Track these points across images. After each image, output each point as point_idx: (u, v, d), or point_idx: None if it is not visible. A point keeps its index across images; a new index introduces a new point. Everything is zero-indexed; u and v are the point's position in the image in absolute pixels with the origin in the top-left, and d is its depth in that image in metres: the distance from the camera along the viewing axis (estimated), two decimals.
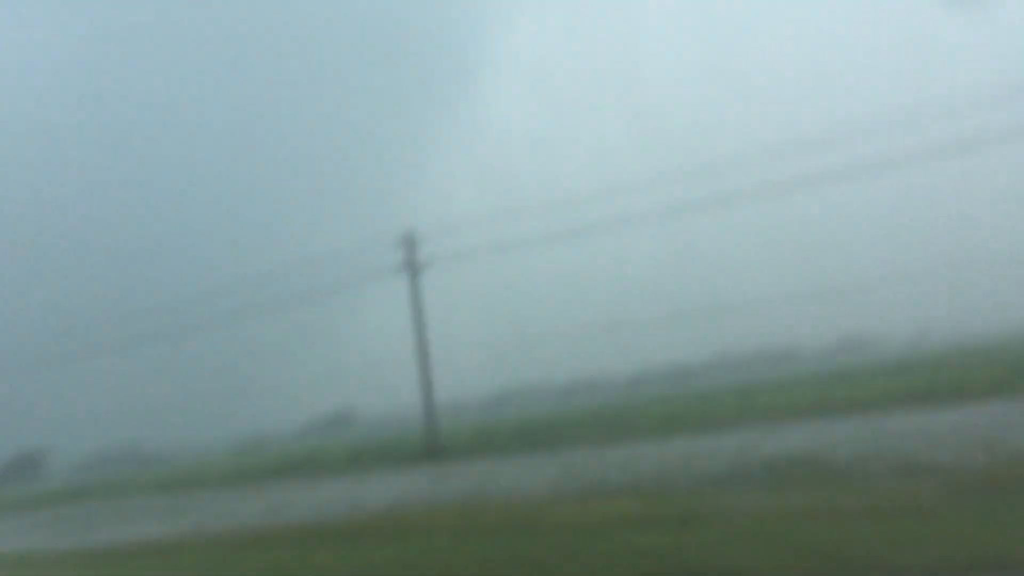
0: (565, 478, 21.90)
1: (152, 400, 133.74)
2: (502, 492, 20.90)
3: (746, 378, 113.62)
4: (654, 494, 16.59)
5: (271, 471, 49.46)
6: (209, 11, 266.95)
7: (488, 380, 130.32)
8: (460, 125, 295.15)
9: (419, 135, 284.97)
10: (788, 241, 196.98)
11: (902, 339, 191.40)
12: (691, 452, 24.28)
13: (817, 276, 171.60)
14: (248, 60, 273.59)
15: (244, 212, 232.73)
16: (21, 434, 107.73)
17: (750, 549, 10.40)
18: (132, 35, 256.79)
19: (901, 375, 45.58)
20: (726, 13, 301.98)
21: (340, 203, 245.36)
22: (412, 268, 44.34)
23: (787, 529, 11.36)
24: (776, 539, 10.77)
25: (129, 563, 17.33)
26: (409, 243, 44.62)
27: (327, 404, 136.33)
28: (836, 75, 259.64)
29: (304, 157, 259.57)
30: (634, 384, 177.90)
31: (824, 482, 15.51)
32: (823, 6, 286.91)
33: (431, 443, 43.07)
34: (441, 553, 12.89)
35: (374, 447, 55.28)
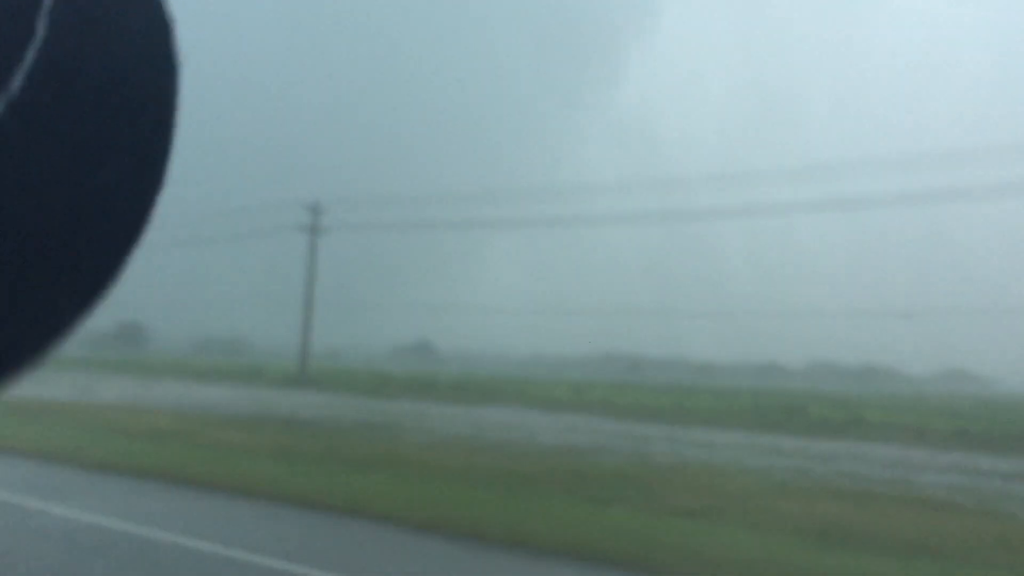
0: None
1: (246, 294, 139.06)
2: None
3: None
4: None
5: None
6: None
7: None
8: (608, 92, 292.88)
9: (566, 99, 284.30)
10: (906, 255, 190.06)
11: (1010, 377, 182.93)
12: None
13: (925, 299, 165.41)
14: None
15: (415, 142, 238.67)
16: (126, 306, 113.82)
17: None
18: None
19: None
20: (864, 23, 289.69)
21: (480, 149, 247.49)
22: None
23: None
24: None
25: None
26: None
27: None
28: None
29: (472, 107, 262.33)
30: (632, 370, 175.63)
31: None
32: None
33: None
34: None
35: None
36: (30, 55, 0.38)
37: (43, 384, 24.90)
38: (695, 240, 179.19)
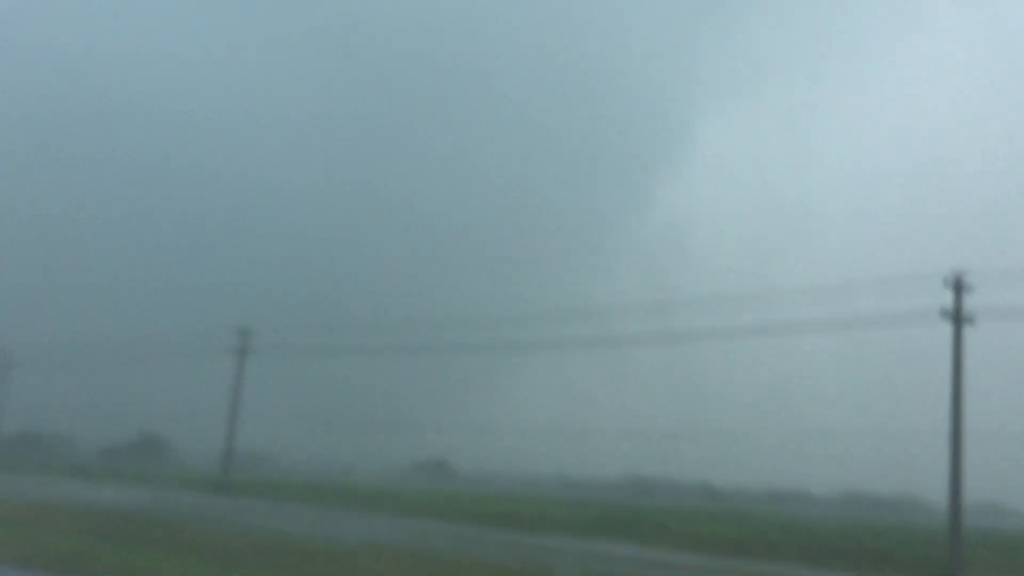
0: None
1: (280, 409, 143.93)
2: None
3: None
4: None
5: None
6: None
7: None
8: (642, 208, 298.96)
9: (601, 214, 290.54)
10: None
11: None
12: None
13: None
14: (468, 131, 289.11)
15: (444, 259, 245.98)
16: (147, 419, 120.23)
17: None
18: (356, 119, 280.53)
19: None
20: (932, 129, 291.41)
21: (511, 268, 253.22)
22: None
23: None
24: None
25: None
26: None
27: None
28: None
29: (490, 220, 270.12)
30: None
31: None
32: None
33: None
34: None
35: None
36: None
37: None
38: (722, 361, 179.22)
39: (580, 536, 38.10)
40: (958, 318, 34.24)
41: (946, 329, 34.24)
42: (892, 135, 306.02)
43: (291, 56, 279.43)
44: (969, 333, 34.00)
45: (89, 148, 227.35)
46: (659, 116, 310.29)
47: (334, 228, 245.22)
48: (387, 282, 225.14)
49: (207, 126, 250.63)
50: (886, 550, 36.46)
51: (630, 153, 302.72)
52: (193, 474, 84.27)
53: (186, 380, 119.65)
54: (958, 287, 34.46)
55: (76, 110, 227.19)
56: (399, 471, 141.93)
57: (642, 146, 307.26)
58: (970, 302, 34.41)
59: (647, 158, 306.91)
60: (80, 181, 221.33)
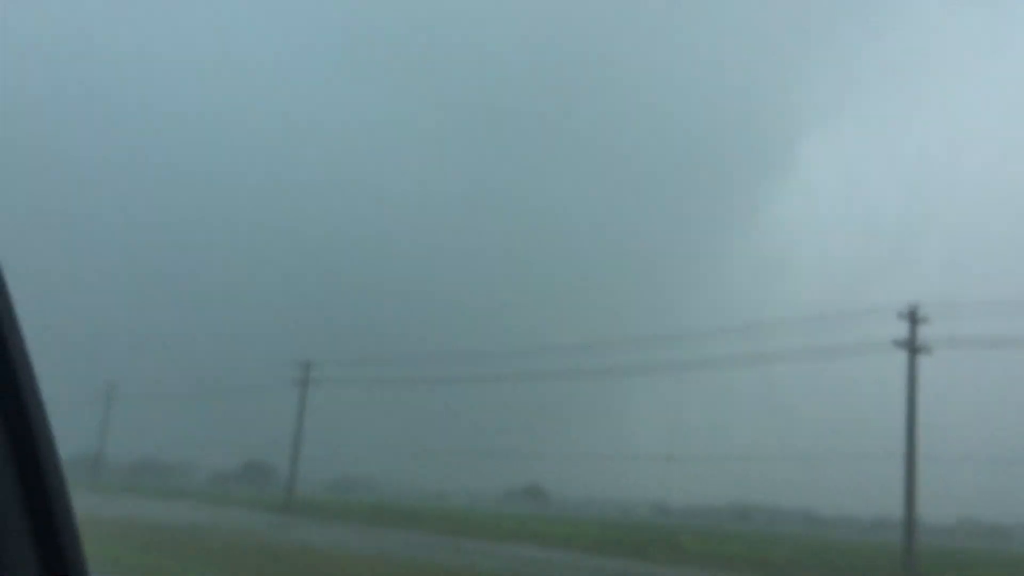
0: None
1: (389, 438, 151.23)
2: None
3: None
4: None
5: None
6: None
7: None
8: (747, 229, 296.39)
9: (704, 236, 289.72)
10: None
11: None
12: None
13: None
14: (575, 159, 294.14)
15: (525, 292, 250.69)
16: (254, 447, 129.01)
17: None
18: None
19: None
20: None
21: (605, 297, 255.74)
22: None
23: None
24: None
25: None
26: None
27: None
28: None
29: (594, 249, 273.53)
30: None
31: None
32: None
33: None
34: None
35: None
36: None
37: None
38: (827, 381, 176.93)
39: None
40: (912, 348, 36.77)
41: None
42: (994, 150, 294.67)
43: (380, 92, 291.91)
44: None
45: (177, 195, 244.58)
46: (760, 135, 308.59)
47: (421, 261, 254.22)
48: (487, 311, 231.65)
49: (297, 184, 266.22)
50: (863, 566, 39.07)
51: (732, 174, 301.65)
52: (281, 498, 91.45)
53: (288, 409, 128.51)
54: (912, 319, 36.99)
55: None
56: (493, 498, 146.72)
57: (744, 166, 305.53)
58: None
59: (749, 178, 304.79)
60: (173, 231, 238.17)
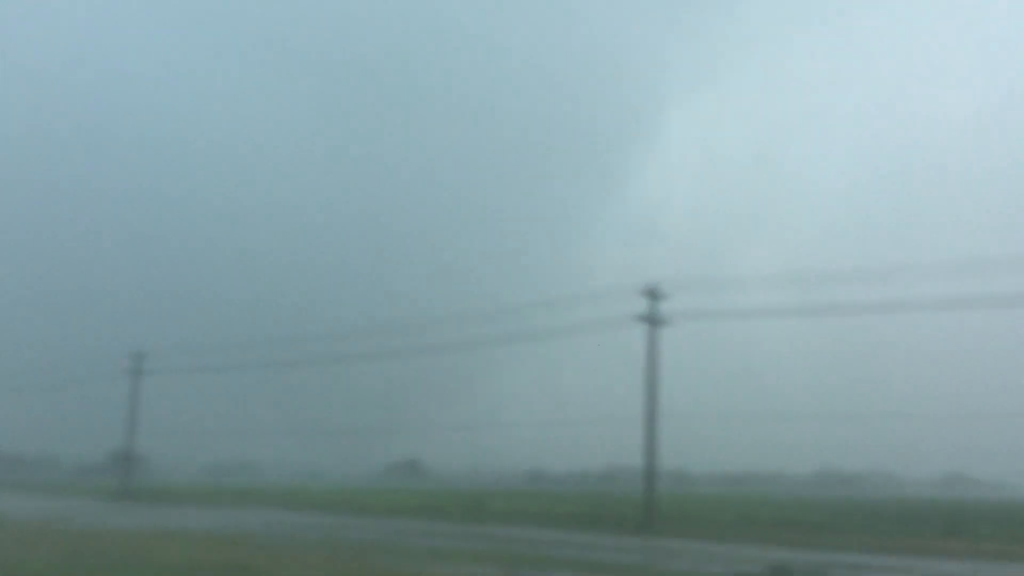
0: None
1: (263, 421, 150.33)
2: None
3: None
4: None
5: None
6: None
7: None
8: (617, 195, 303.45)
9: (577, 202, 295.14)
10: (914, 360, 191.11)
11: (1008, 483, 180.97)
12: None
13: (933, 403, 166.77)
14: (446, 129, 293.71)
15: (404, 261, 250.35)
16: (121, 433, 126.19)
17: None
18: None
19: None
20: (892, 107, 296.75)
21: (484, 260, 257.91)
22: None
23: None
24: None
25: None
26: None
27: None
28: None
29: (469, 214, 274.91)
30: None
31: None
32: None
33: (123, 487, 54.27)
34: None
35: None
36: None
37: None
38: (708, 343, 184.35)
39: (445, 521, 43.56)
40: (652, 321, 39.81)
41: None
42: (847, 125, 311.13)
43: (227, 56, 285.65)
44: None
45: None
46: (628, 108, 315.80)
47: (293, 239, 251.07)
48: (355, 289, 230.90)
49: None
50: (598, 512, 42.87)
51: (600, 146, 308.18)
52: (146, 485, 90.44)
53: (152, 398, 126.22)
54: (653, 295, 40.08)
55: None
56: (371, 474, 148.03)
57: (611, 139, 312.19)
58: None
59: (617, 150, 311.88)
60: None
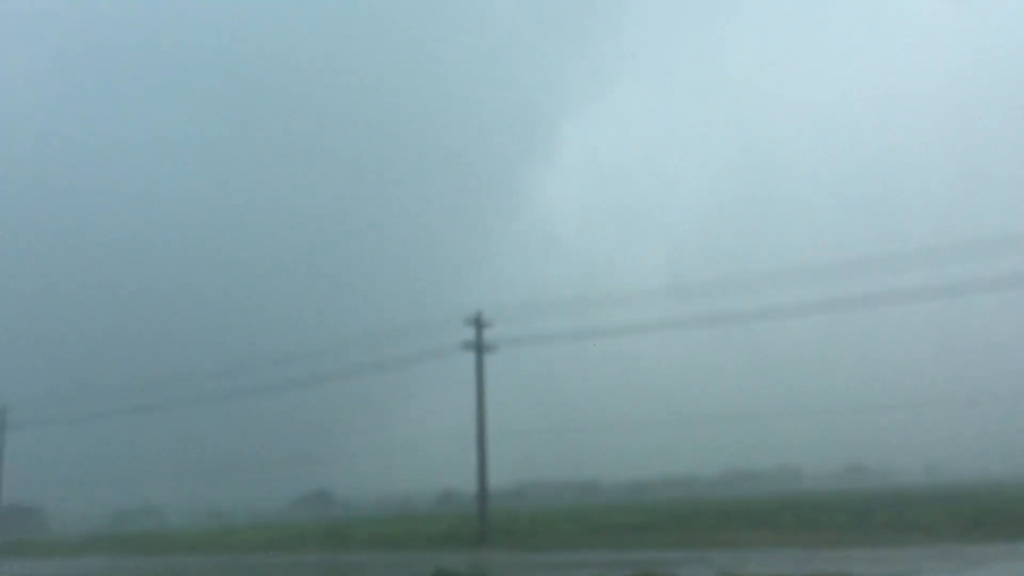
0: None
1: (156, 462, 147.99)
2: None
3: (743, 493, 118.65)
4: None
5: None
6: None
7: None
8: (515, 213, 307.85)
9: (477, 221, 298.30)
10: (803, 360, 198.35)
11: (908, 471, 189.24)
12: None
13: (828, 398, 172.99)
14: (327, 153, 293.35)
15: (308, 288, 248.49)
16: (17, 487, 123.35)
17: None
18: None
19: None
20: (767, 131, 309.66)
21: (392, 283, 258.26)
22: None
23: None
24: None
25: None
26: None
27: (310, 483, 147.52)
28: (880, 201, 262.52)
29: (367, 237, 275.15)
30: (635, 489, 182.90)
31: None
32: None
33: None
34: None
35: None
36: None
37: None
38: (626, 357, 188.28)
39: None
40: (479, 348, 42.02)
41: None
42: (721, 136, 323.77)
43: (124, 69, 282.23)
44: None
45: None
46: (523, 124, 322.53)
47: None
48: (251, 318, 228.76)
49: None
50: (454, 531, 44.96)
51: (498, 157, 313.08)
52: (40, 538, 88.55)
53: (53, 447, 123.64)
54: (478, 324, 42.32)
55: None
56: (277, 509, 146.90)
57: (509, 151, 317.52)
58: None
59: (514, 164, 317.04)
60: None
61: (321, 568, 29.24)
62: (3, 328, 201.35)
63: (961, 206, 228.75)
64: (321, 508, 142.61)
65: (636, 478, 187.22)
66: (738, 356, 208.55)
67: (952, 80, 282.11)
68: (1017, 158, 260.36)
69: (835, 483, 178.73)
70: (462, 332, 42.78)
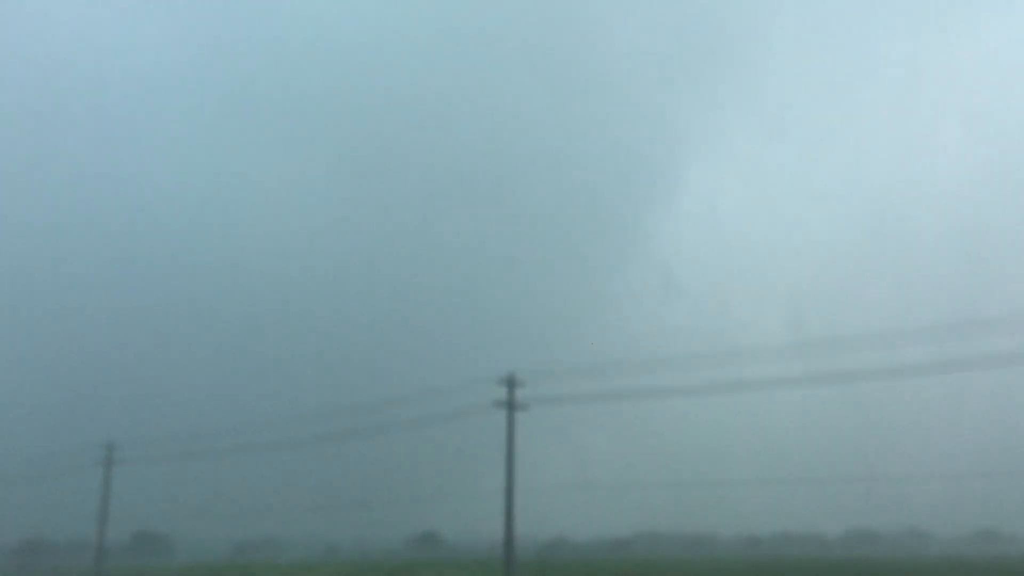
0: None
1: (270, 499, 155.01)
2: None
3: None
4: None
5: None
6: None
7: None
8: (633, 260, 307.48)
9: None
10: (934, 420, 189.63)
11: None
12: None
13: (960, 462, 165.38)
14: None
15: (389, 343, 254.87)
16: (141, 516, 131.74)
17: None
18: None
19: None
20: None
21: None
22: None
23: None
24: None
25: None
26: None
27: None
28: None
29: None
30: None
31: None
32: None
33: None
34: None
35: None
36: None
37: None
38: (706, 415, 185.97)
39: None
40: (511, 406, 44.02)
41: None
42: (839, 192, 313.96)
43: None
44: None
45: None
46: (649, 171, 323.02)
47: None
48: (366, 365, 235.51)
49: None
50: None
51: (623, 211, 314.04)
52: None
53: (184, 480, 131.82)
54: (511, 383, 44.39)
55: None
56: (388, 548, 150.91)
57: (632, 194, 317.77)
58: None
59: (638, 204, 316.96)
60: None
61: None
62: (127, 370, 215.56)
63: None
64: (429, 549, 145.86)
65: (753, 533, 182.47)
66: (868, 415, 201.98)
67: None
68: None
69: (965, 548, 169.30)
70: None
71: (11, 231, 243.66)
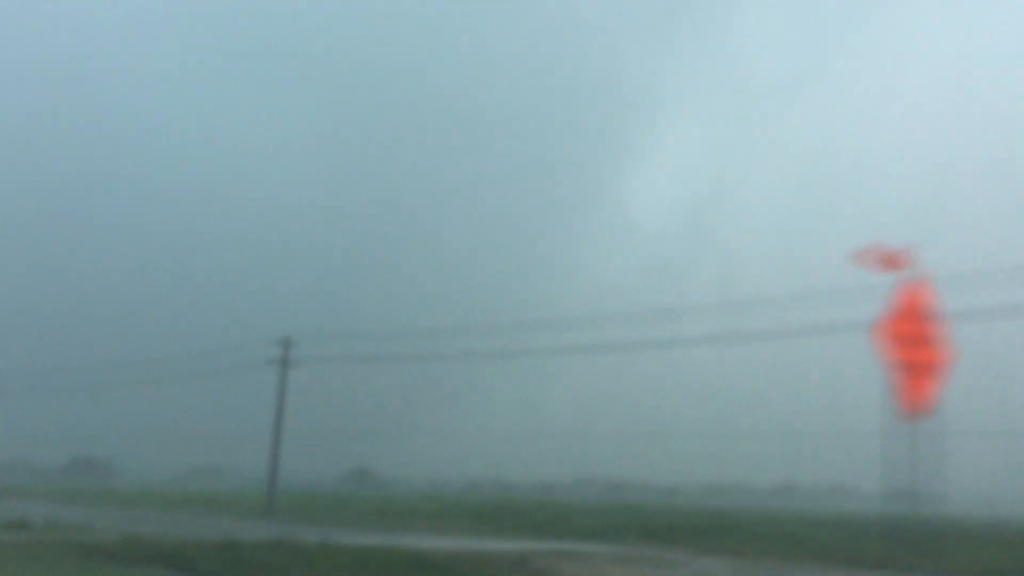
0: None
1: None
2: None
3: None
4: None
5: None
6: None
7: None
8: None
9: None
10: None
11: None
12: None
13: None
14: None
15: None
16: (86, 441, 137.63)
17: None
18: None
19: None
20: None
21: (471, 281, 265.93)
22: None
23: None
24: None
25: None
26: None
27: None
28: None
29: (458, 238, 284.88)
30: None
31: None
32: None
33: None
34: None
35: None
36: None
37: None
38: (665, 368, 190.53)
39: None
40: (285, 366, 50.04)
41: None
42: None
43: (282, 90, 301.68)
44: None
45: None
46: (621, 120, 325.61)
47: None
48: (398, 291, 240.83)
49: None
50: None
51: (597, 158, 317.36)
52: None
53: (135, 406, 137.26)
54: (286, 344, 50.38)
55: None
56: (329, 480, 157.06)
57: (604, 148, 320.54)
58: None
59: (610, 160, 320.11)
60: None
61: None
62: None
63: None
64: (364, 484, 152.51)
65: (675, 483, 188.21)
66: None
67: None
68: None
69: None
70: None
71: None
